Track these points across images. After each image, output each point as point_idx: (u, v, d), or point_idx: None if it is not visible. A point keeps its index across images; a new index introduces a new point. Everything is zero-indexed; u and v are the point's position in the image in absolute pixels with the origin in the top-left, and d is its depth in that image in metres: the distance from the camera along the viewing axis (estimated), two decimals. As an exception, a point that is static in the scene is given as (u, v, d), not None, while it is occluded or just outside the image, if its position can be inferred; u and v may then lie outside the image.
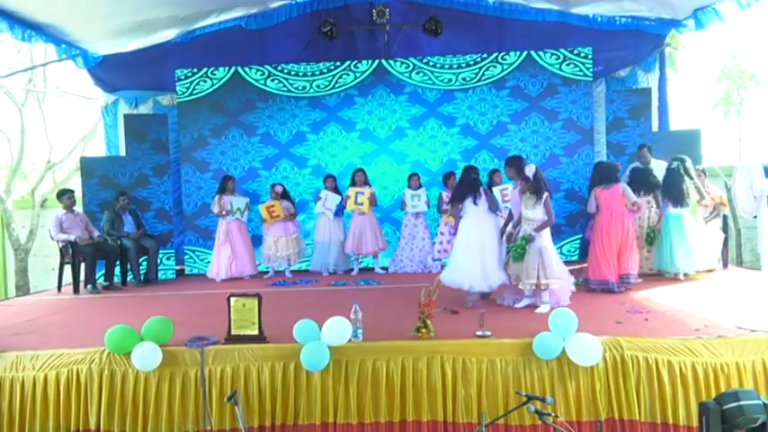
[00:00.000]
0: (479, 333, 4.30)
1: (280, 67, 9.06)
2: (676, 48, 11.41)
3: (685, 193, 6.71)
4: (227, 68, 9.08)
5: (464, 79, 8.94)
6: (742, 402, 3.17)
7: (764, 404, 3.24)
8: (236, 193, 8.42)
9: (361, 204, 8.06)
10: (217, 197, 8.20)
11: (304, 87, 9.06)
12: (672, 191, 6.79)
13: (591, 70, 8.81)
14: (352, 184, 8.19)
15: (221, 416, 4.11)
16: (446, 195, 7.82)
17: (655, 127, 8.88)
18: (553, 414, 3.43)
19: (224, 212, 8.12)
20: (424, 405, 4.04)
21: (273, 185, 8.30)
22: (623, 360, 4.00)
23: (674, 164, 6.89)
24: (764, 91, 13.42)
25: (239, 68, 9.07)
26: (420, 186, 8.25)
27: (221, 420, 4.11)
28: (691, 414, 3.88)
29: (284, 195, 8.30)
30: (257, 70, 9.08)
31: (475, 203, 5.69)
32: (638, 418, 3.96)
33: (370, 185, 8.30)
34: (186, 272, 9.06)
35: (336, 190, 8.30)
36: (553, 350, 4.01)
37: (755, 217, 5.37)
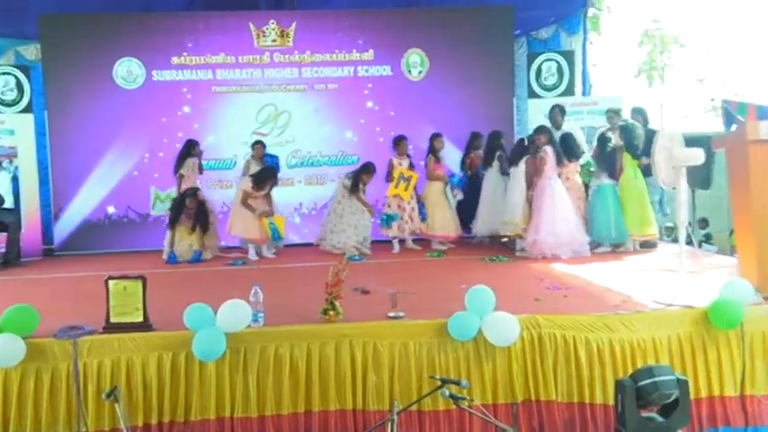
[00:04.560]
0: (392, 314, 4.36)
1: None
2: (601, 9, 11.81)
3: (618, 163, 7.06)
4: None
5: None
6: (656, 378, 3.45)
7: (678, 379, 3.53)
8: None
9: None
10: (189, 161, 7.81)
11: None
12: (605, 161, 7.12)
13: (511, 30, 9.03)
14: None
15: (99, 415, 3.96)
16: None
17: (578, 92, 9.26)
18: (468, 398, 3.55)
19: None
20: (331, 393, 4.07)
21: (256, 144, 8.09)
22: (541, 339, 4.18)
23: (607, 133, 7.24)
24: (687, 55, 14.30)
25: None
26: None
27: (99, 420, 3.96)
28: (607, 392, 4.11)
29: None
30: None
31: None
32: (554, 398, 4.16)
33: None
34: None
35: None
36: (469, 330, 4.11)
37: (675, 189, 5.69)
